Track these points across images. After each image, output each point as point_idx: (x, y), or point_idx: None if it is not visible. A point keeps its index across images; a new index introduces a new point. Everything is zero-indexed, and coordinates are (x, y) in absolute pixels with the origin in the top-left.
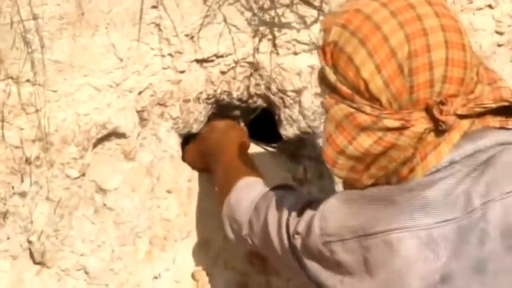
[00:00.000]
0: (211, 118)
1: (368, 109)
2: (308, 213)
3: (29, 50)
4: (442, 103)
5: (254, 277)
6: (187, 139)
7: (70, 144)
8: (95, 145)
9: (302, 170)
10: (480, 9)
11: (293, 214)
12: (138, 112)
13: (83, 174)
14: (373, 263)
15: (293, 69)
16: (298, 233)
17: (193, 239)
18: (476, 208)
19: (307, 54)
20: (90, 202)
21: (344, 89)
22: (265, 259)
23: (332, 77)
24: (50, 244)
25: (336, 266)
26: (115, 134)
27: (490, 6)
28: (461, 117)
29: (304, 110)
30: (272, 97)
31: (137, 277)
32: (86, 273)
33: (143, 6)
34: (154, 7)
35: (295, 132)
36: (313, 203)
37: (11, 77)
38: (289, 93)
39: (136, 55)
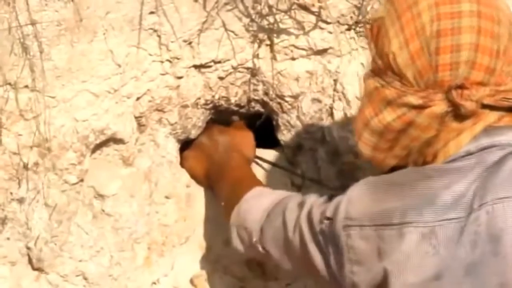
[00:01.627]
0: (209, 123)
1: (397, 84)
2: (336, 199)
3: (27, 56)
4: (463, 86)
5: (253, 282)
6: (186, 144)
7: (68, 150)
8: (93, 150)
9: (300, 175)
10: None
11: (317, 205)
12: (136, 117)
13: (82, 180)
14: (384, 251)
15: (291, 74)
16: (327, 218)
17: (192, 244)
18: (473, 210)
19: (305, 60)
20: (88, 207)
21: (379, 63)
22: (264, 265)
23: (372, 51)
24: (49, 250)
25: (348, 252)
26: (114, 139)
27: None
28: (488, 108)
29: (302, 116)
30: (270, 102)
31: (136, 282)
32: (85, 279)
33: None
34: (152, 12)
35: (293, 137)
36: (335, 195)
37: (9, 83)
38: (287, 99)
39: (134, 61)
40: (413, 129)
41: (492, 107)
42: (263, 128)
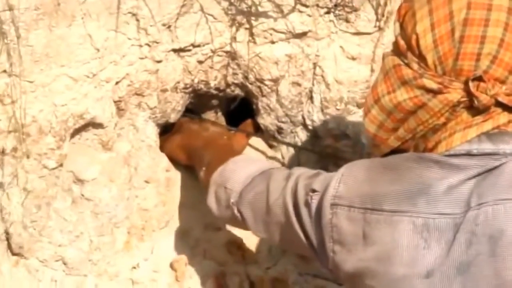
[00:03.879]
0: (193, 110)
1: (415, 66)
2: (326, 174)
3: (5, 41)
4: (481, 79)
5: (233, 267)
6: (165, 129)
7: (47, 135)
8: (72, 135)
9: (280, 158)
10: None
11: (303, 178)
12: (115, 102)
13: (61, 165)
14: (370, 238)
15: (270, 58)
16: (314, 191)
17: (172, 229)
18: (471, 209)
19: (284, 43)
20: (67, 192)
21: (402, 43)
22: (244, 249)
23: (396, 31)
24: (28, 235)
25: (331, 231)
26: (93, 124)
27: None
28: (501, 107)
29: (281, 99)
30: (249, 86)
31: (116, 267)
32: (65, 263)
33: None
34: None
35: (273, 121)
36: (323, 172)
37: None
38: (267, 82)
39: (113, 45)
40: (423, 113)
41: (505, 107)
42: (243, 112)
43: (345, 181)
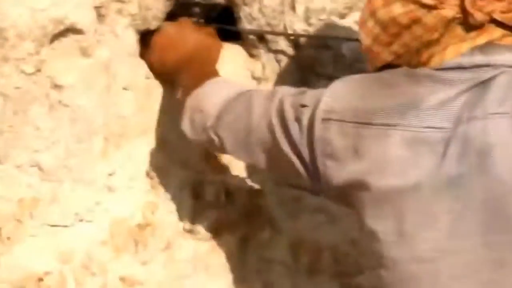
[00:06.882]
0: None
1: None
2: (315, 90)
3: None
4: None
5: (209, 176)
6: (145, 35)
7: (26, 40)
8: (51, 41)
9: (260, 68)
10: None
11: (289, 95)
12: (95, 8)
13: (39, 70)
14: (361, 151)
15: None
16: (304, 106)
17: (149, 137)
18: (461, 123)
19: None
20: (45, 98)
21: None
22: (221, 158)
23: None
24: (3, 141)
25: (322, 145)
26: (72, 30)
27: None
28: (495, 23)
29: (263, 8)
30: None
31: (92, 174)
32: (40, 170)
33: None
34: None
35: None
36: (308, 90)
37: None
38: None
39: None
40: (418, 28)
41: (499, 23)
42: (224, 21)
43: (336, 96)
